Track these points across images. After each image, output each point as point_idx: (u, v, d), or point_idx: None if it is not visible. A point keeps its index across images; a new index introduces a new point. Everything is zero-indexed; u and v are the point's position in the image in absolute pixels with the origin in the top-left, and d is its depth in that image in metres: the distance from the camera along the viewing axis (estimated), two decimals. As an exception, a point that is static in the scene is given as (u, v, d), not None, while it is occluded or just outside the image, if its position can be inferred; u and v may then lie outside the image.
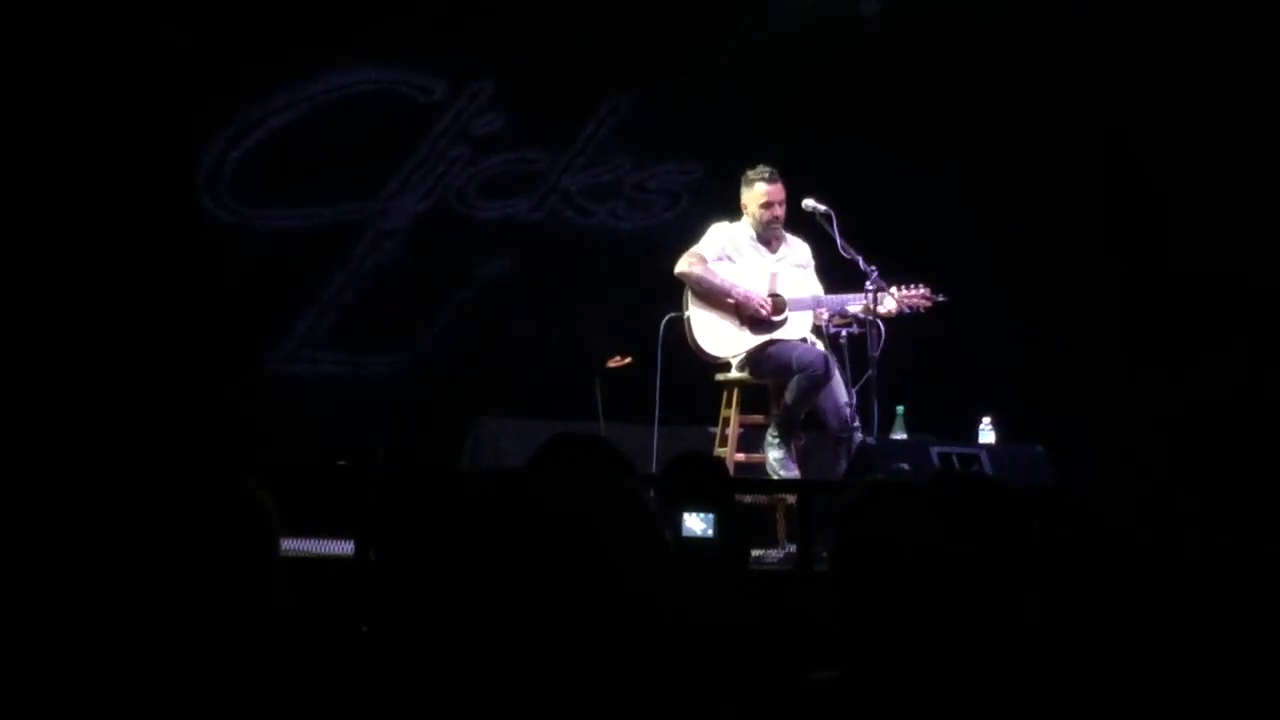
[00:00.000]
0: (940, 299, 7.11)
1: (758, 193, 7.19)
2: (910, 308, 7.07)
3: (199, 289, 7.96)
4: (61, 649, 2.19)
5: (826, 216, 7.11)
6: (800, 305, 7.13)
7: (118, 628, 2.18)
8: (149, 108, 7.91)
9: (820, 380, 6.94)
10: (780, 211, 7.15)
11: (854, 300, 7.03)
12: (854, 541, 2.66)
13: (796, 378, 6.98)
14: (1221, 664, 2.49)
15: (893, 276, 7.05)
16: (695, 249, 7.25)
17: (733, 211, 7.36)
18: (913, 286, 7.09)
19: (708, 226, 7.36)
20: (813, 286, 7.27)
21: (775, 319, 7.12)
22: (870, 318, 6.94)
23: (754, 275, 7.17)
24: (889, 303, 7.01)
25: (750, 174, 7.23)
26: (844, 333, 7.06)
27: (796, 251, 7.29)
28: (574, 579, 1.80)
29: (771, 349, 7.11)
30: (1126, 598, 2.57)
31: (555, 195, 9.20)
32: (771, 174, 7.19)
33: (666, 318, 7.30)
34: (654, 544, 1.83)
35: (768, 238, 7.24)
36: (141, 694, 2.12)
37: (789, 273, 7.21)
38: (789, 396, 7.00)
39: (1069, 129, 9.00)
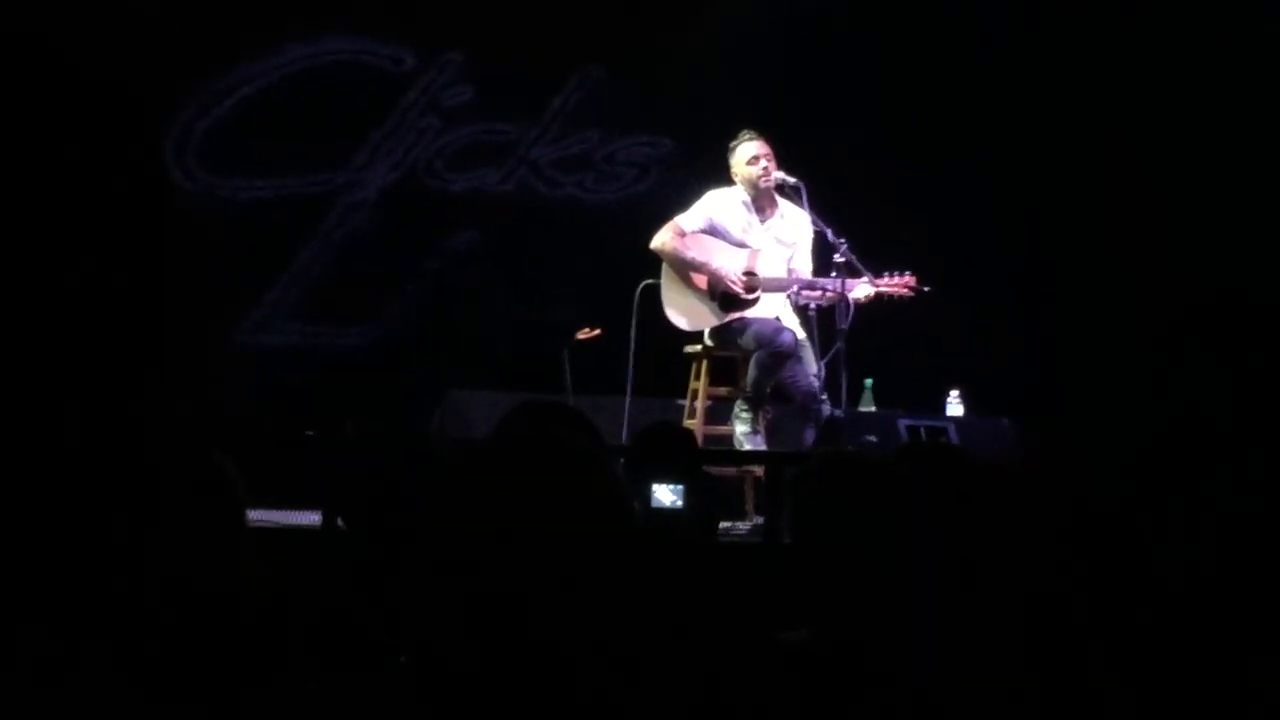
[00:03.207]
0: (925, 289, 7.09)
1: (744, 152, 7.17)
2: (892, 295, 7.06)
3: (166, 259, 7.94)
4: (24, 620, 2.18)
5: (796, 189, 7.09)
6: (774, 286, 7.11)
7: (80, 598, 2.17)
8: (116, 75, 7.88)
9: (783, 355, 6.94)
10: (770, 165, 7.11)
11: (830, 283, 6.99)
12: (809, 512, 2.68)
13: (758, 352, 6.98)
14: (1189, 629, 2.51)
15: (863, 250, 7.05)
16: (676, 219, 7.24)
17: (702, 186, 7.37)
18: (898, 274, 7.08)
19: (684, 197, 7.36)
20: (800, 263, 7.24)
21: (747, 297, 7.11)
22: (838, 293, 6.93)
23: (734, 251, 7.15)
24: (867, 289, 6.99)
25: (732, 142, 7.23)
26: (813, 304, 7.05)
27: (790, 223, 7.21)
28: (539, 546, 1.80)
29: (736, 323, 7.11)
30: (1092, 567, 2.58)
31: (524, 167, 9.18)
32: (752, 134, 7.19)
33: (642, 284, 7.30)
34: (619, 510, 1.83)
35: (762, 203, 7.21)
36: (107, 664, 2.12)
37: (772, 249, 7.18)
38: (752, 371, 7.00)
39: (1039, 102, 9.02)
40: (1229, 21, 8.49)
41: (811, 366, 6.98)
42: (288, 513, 5.73)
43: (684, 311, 7.20)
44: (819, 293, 7.05)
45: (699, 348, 7.28)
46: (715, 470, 6.67)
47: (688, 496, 3.53)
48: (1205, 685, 2.53)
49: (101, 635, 2.16)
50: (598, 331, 7.76)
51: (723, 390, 7.30)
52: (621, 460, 3.82)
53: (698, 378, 7.30)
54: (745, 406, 7.03)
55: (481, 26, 8.73)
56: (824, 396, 6.94)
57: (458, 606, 1.87)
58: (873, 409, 7.24)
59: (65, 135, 7.73)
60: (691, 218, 7.23)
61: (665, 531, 3.47)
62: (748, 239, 7.19)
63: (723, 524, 6.47)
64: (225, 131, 8.60)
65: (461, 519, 1.87)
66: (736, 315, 7.12)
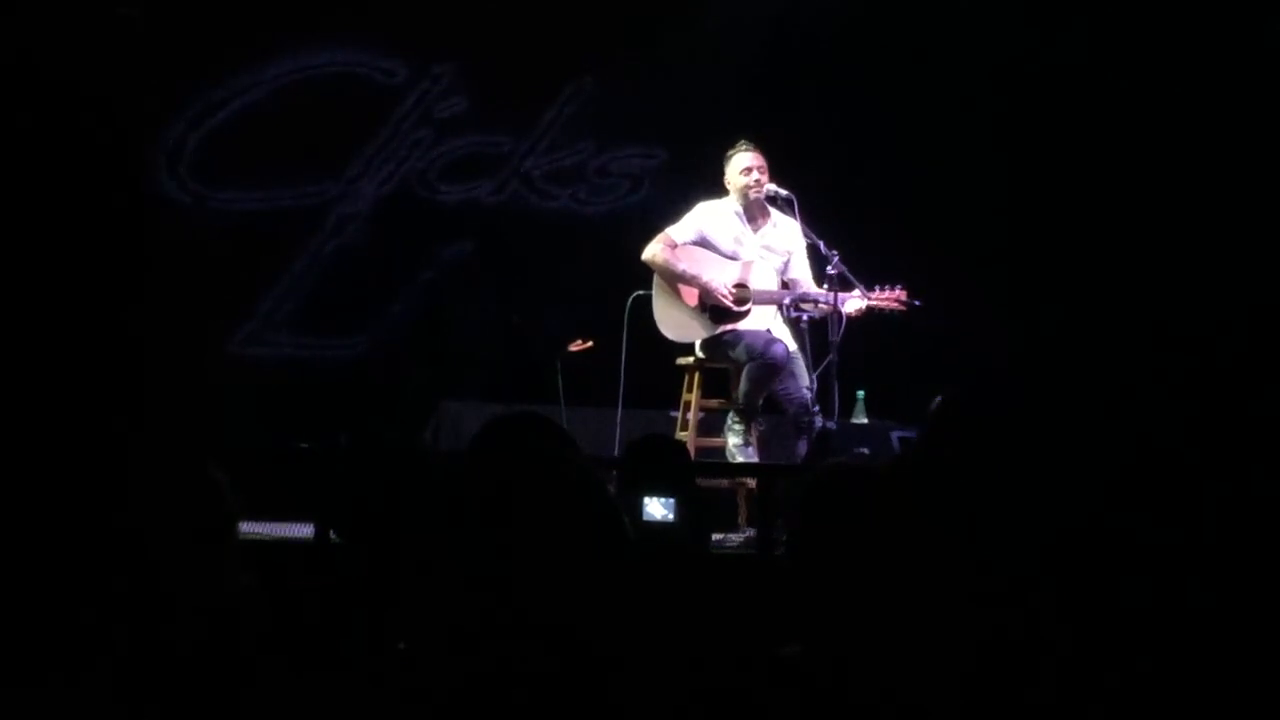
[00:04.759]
0: (916, 304, 7.09)
1: (738, 163, 7.20)
2: (883, 309, 7.06)
3: (154, 270, 7.93)
4: (18, 632, 2.18)
5: (788, 201, 7.11)
6: (765, 299, 7.12)
7: (74, 610, 2.18)
8: (108, 87, 7.89)
9: (774, 367, 6.95)
10: (763, 177, 7.14)
11: (823, 297, 6.99)
12: (812, 525, 2.68)
13: (750, 365, 6.99)
14: (1173, 635, 2.52)
15: (855, 260, 7.05)
16: (667, 231, 7.25)
17: (690, 200, 7.39)
18: (889, 288, 7.08)
19: (677, 208, 7.37)
20: (797, 271, 7.25)
21: (738, 309, 7.11)
22: (830, 306, 6.93)
23: (724, 263, 7.16)
24: (859, 303, 7.00)
25: (729, 151, 7.25)
26: (805, 316, 7.05)
27: (782, 231, 7.24)
28: (534, 556, 1.81)
29: (727, 335, 7.12)
30: (1085, 576, 2.59)
31: (517, 179, 9.18)
32: (748, 144, 7.21)
33: (633, 296, 7.31)
34: (611, 521, 1.84)
35: (753, 212, 7.23)
36: (100, 675, 2.12)
37: (764, 258, 7.19)
38: (744, 383, 7.00)
39: (1034, 110, 9.02)
40: (1226, 31, 8.50)
41: (804, 378, 6.98)
42: (280, 525, 5.74)
43: (675, 323, 7.21)
44: (811, 305, 7.06)
45: (691, 360, 7.28)
46: (708, 482, 6.67)
47: (679, 509, 3.53)
48: (1186, 694, 2.55)
49: (95, 642, 2.16)
50: (590, 344, 7.77)
51: (715, 402, 7.31)
52: (614, 473, 3.83)
53: (690, 390, 7.30)
54: (737, 418, 7.04)
55: (474, 38, 8.74)
56: (816, 408, 6.94)
57: (454, 614, 1.87)
58: (865, 421, 7.24)
59: (57, 147, 7.73)
60: (682, 229, 7.24)
61: (657, 544, 3.48)
62: (740, 249, 7.20)
63: (715, 536, 6.47)
64: (218, 143, 8.61)
65: (457, 529, 1.88)
66: (728, 327, 7.12)
